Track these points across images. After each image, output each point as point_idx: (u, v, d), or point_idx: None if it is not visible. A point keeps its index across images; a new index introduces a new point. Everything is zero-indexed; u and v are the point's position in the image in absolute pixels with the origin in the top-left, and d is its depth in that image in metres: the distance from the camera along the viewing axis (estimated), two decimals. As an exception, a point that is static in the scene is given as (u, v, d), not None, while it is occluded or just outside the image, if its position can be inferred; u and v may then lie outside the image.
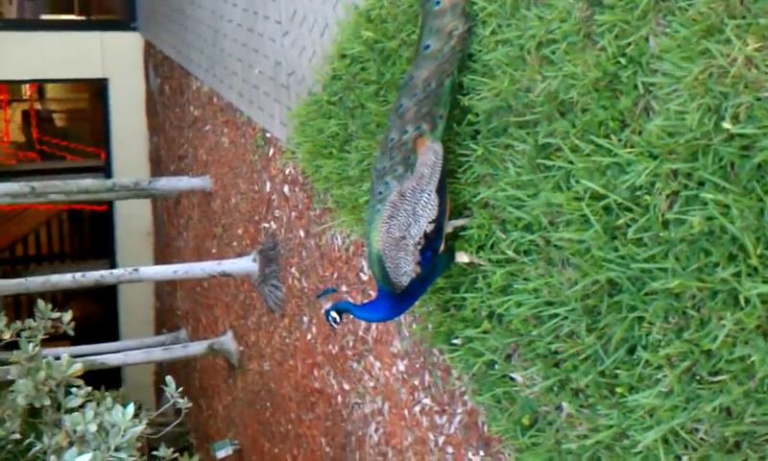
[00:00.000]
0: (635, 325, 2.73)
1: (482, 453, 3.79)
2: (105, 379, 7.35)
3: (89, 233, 12.25)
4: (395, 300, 3.38)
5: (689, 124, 2.43)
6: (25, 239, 12.12)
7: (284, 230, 5.97)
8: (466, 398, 3.87)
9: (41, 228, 12.10)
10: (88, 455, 2.58)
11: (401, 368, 4.54)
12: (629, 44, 2.68)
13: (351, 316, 3.71)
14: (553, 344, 3.09)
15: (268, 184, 6.22)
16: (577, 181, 2.86)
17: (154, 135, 10.10)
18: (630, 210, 2.70)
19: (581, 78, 2.86)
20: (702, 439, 2.54)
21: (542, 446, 3.19)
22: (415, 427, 4.42)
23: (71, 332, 3.85)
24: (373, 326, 4.86)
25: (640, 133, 2.67)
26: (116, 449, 2.78)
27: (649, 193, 2.64)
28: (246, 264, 5.87)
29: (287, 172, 5.85)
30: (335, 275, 5.25)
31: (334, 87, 4.65)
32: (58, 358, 4.04)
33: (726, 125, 2.33)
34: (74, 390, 3.45)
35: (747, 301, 2.30)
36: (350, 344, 5.15)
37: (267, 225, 6.28)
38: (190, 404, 3.95)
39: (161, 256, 10.12)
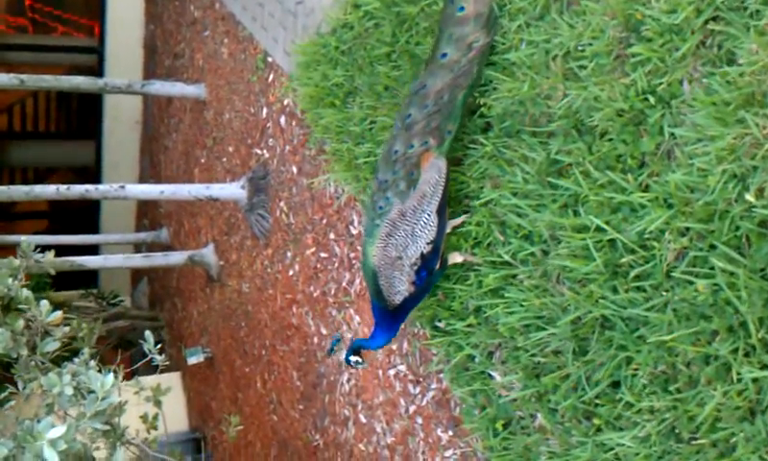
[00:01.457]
0: (622, 364, 2.73)
1: (450, 433, 3.86)
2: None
3: (77, 113, 11.92)
4: (389, 318, 3.35)
5: (711, 186, 2.36)
6: (10, 110, 11.79)
7: (277, 161, 5.85)
8: (442, 376, 3.90)
9: (28, 99, 11.76)
10: (62, 428, 2.56)
11: (381, 329, 4.55)
12: (661, 83, 2.56)
13: (346, 346, 3.63)
14: (537, 357, 3.10)
15: (264, 110, 6.05)
16: (586, 213, 2.79)
17: (150, 23, 9.71)
18: (635, 253, 2.65)
19: (605, 104, 2.74)
20: (671, 491, 2.59)
21: (513, 450, 3.25)
22: (387, 389, 4.48)
23: (52, 272, 3.77)
24: (357, 281, 4.84)
25: (658, 177, 2.59)
26: (94, 415, 2.77)
27: (658, 240, 2.58)
28: (234, 190, 5.77)
29: (285, 103, 5.67)
30: (324, 220, 5.18)
31: (344, 36, 4.44)
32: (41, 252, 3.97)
33: (749, 198, 2.26)
34: (51, 333, 3.41)
35: (739, 379, 2.29)
36: (332, 291, 5.14)
37: (259, 151, 6.15)
38: (167, 362, 3.91)
39: (148, 149, 9.94)
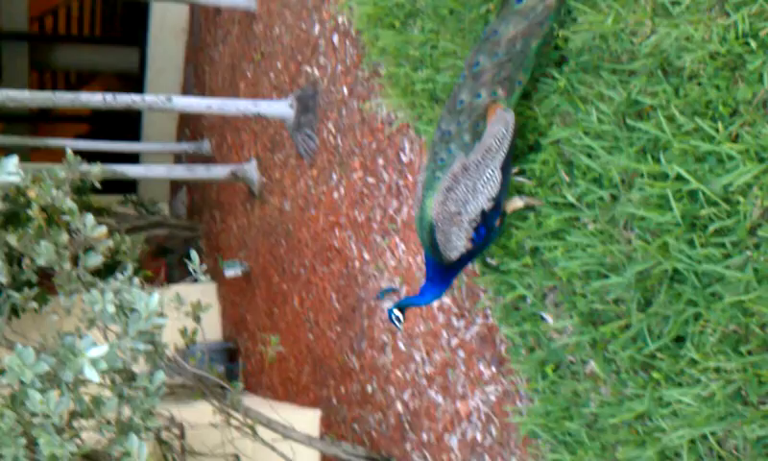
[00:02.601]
0: (690, 320, 2.62)
1: (493, 370, 3.82)
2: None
3: (122, 18, 11.74)
4: (442, 272, 3.23)
5: (812, 141, 2.19)
6: (56, 12, 11.62)
7: (327, 81, 5.69)
8: (488, 312, 3.83)
9: (73, 2, 11.56)
10: (104, 348, 2.54)
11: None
12: (765, 28, 2.36)
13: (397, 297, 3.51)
14: (595, 304, 3.00)
15: (317, 27, 5.85)
16: (667, 160, 2.63)
17: None
18: (717, 206, 2.51)
19: (698, 45, 2.55)
20: (732, 452, 2.51)
21: (561, 395, 3.19)
22: (429, 320, 4.43)
23: (98, 186, 3.71)
24: (404, 207, 4.74)
25: (751, 128, 2.42)
26: (136, 336, 2.74)
27: (744, 195, 2.44)
28: (282, 108, 5.65)
29: (340, 21, 5.47)
30: (374, 145, 5.06)
31: (411, -48, 4.22)
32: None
33: None
34: (94, 248, 3.37)
35: (821, 347, 2.18)
36: (378, 217, 5.06)
37: (309, 70, 5.98)
38: (212, 283, 3.88)
39: (193, 59, 9.79)
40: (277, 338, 4.45)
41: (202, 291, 9.11)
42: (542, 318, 3.34)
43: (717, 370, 2.49)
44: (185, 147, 8.37)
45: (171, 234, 9.38)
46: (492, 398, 3.80)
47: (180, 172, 6.98)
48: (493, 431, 3.79)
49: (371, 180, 5.11)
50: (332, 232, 5.76)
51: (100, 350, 2.58)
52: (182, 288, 9.12)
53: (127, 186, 10.00)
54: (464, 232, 3.08)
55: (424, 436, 4.38)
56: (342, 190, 5.59)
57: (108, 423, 2.97)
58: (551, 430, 3.18)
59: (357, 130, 5.28)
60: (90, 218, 3.37)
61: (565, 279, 3.11)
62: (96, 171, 3.61)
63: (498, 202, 3.09)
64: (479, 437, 3.91)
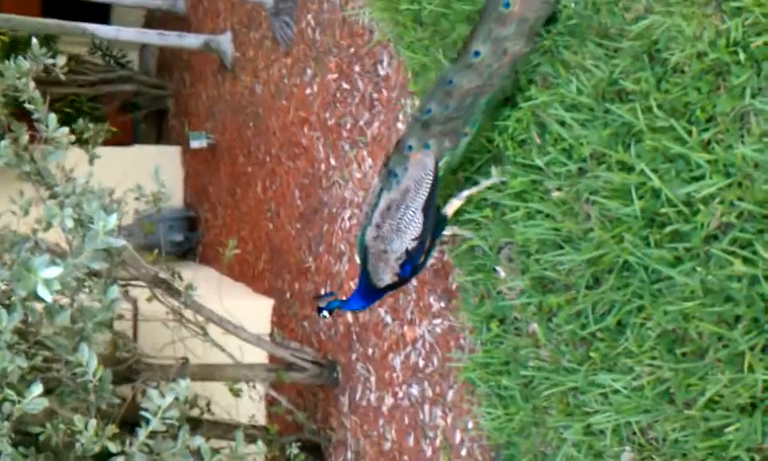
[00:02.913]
0: (633, 311, 2.71)
1: (443, 304, 3.92)
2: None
3: None
4: (371, 291, 3.38)
5: (780, 171, 2.20)
6: None
7: (311, -31, 5.43)
8: (444, 249, 3.88)
9: None
10: (58, 269, 2.52)
11: (392, 180, 4.46)
12: (757, 41, 2.31)
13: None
14: (547, 272, 3.06)
15: None
16: (636, 153, 2.63)
17: None
18: (677, 208, 2.53)
19: (688, 40, 2.50)
20: (651, 443, 2.67)
21: (503, 346, 3.31)
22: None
23: (62, 77, 3.55)
24: (375, 122, 4.68)
25: (724, 139, 2.41)
26: (92, 255, 2.71)
27: (705, 204, 2.46)
28: (262, -11, 5.39)
29: None
30: (352, 49, 4.90)
31: None
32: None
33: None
34: (56, 146, 3.26)
35: (751, 369, 2.28)
36: (348, 126, 4.98)
37: (294, -48, 5.68)
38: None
39: None
40: (234, 242, 4.46)
41: (165, 154, 9.01)
42: (495, 271, 3.41)
43: (651, 364, 2.60)
44: (159, 3, 7.97)
45: (139, 90, 9.12)
46: (438, 330, 3.92)
47: (152, 37, 6.70)
48: (435, 362, 3.94)
49: (345, 85, 4.99)
50: (301, 129, 5.68)
51: (54, 270, 2.55)
52: (147, 150, 9.02)
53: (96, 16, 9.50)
54: (390, 269, 3.22)
55: (370, 351, 4.53)
56: (315, 88, 5.46)
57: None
58: (488, 382, 3.32)
59: (337, 29, 5.10)
60: (53, 118, 3.26)
61: (521, 243, 3.15)
62: (61, 62, 3.45)
63: (422, 242, 3.19)
64: (421, 363, 4.06)
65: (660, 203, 2.58)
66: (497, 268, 3.40)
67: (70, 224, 2.85)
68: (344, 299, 3.59)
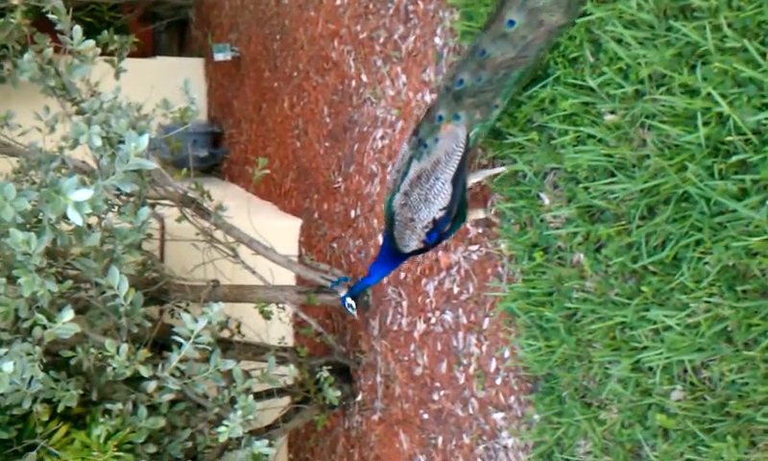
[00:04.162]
0: (691, 245, 2.56)
1: (480, 231, 3.79)
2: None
3: None
4: (394, 257, 3.42)
5: None
6: None
7: None
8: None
9: None
10: (89, 192, 2.40)
11: (427, 99, 4.28)
12: None
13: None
14: (597, 200, 2.91)
15: None
16: (703, 76, 2.42)
17: None
18: (745, 137, 2.35)
19: (769, -49, 2.25)
20: (704, 383, 2.56)
21: (546, 277, 3.19)
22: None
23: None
24: (411, 36, 4.45)
25: (804, 63, 2.21)
26: (122, 176, 2.59)
27: (777, 132, 2.27)
28: None
29: None
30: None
31: None
32: None
33: None
34: (82, 60, 3.09)
35: (820, 312, 2.14)
36: (381, 39, 4.75)
37: None
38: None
39: None
40: (265, 161, 4.32)
41: (188, 66, 8.79)
42: (539, 198, 3.25)
43: (708, 302, 2.47)
44: None
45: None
46: (475, 257, 3.80)
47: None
48: (471, 289, 3.84)
49: (378, -5, 4.74)
50: (331, 41, 5.44)
51: (85, 193, 2.45)
52: (169, 62, 8.79)
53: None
54: (416, 236, 3.25)
55: (402, 275, 4.43)
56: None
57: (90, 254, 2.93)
58: (529, 313, 3.21)
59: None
60: (78, 30, 3.09)
61: (569, 169, 2.99)
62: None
63: (449, 211, 3.20)
64: (456, 290, 3.96)
65: (727, 130, 2.40)
66: (542, 195, 3.24)
67: (98, 142, 2.73)
68: (364, 277, 3.68)
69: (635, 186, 2.69)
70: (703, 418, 2.53)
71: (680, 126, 2.52)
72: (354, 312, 3.74)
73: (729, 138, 2.39)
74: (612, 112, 2.85)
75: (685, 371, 2.60)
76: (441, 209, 3.16)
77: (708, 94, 2.41)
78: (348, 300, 3.65)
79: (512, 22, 2.90)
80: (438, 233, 3.25)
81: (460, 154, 3.07)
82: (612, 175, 2.83)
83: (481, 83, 3.01)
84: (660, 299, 2.66)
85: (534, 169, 3.22)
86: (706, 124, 2.43)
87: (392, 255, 3.44)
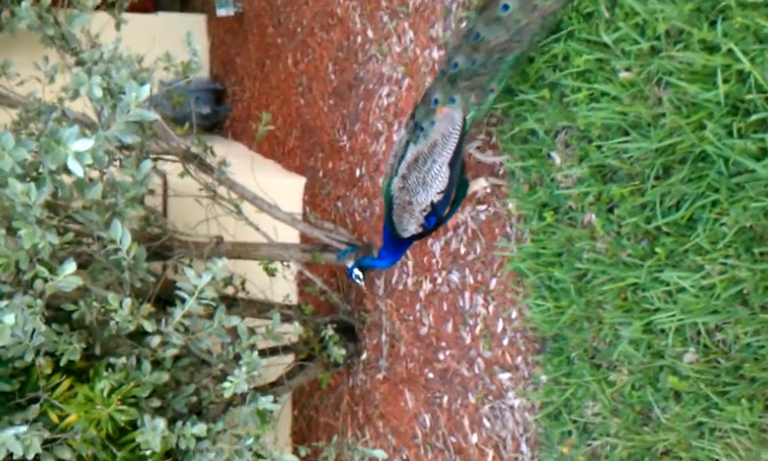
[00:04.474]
0: (707, 205, 2.50)
1: (488, 190, 3.73)
2: None
3: None
4: (396, 243, 3.43)
5: None
6: None
7: None
8: (492, 131, 3.64)
9: None
10: (89, 142, 2.34)
11: (435, 56, 4.19)
12: None
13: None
14: (610, 160, 2.84)
15: None
16: (723, 31, 2.34)
17: None
18: (766, 94, 2.28)
19: None
20: (718, 345, 2.52)
21: (556, 237, 3.14)
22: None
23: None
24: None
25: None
26: (123, 127, 2.52)
27: (800, 90, 2.20)
28: None
29: None
30: None
31: None
32: None
33: None
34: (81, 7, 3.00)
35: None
36: (388, -7, 4.64)
37: None
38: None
39: None
40: (269, 116, 4.24)
41: (190, 22, 8.64)
42: (550, 157, 3.19)
43: (724, 263, 2.42)
44: None
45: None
46: (482, 217, 3.75)
47: None
48: (478, 249, 3.79)
49: (385, -52, 4.62)
50: (336, -4, 5.33)
51: (85, 143, 2.39)
52: (171, 17, 8.64)
53: None
54: (414, 219, 3.23)
55: (408, 234, 4.37)
56: (351, -50, 5.08)
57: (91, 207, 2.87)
58: (538, 273, 3.17)
59: None
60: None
61: (582, 127, 2.92)
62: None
63: (447, 195, 3.18)
64: (463, 250, 3.91)
65: (747, 88, 2.33)
66: (552, 154, 3.18)
67: (98, 93, 2.66)
68: (374, 257, 3.69)
69: (650, 145, 2.62)
70: (716, 381, 2.50)
71: (698, 83, 2.44)
72: (362, 283, 3.75)
73: (749, 96, 2.32)
74: (628, 69, 2.77)
75: (699, 333, 2.57)
76: (438, 192, 3.14)
77: (729, 51, 2.34)
78: (356, 271, 3.64)
79: (506, 6, 2.92)
80: (436, 217, 3.25)
81: (457, 136, 3.06)
82: (626, 134, 2.77)
83: (475, 66, 3.01)
84: (674, 260, 2.61)
85: (545, 127, 3.16)
86: (725, 81, 2.36)
87: (394, 242, 3.46)
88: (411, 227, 3.27)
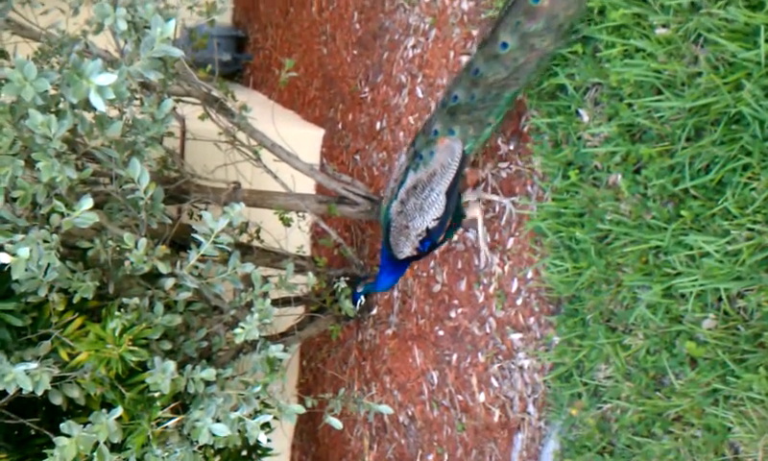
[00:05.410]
0: (738, 169, 2.43)
1: (511, 147, 3.66)
2: None
3: None
4: (393, 264, 3.61)
5: None
6: None
7: None
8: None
9: None
10: (113, 76, 2.30)
11: (464, 7, 4.09)
12: None
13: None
14: (640, 119, 2.77)
15: None
16: (772, -14, 2.25)
17: None
18: (811, 56, 2.19)
19: None
20: (739, 312, 2.47)
21: (579, 197, 3.08)
22: (455, 74, 4.16)
23: None
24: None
25: None
26: (147, 62, 2.47)
27: None
28: None
29: None
30: None
31: None
32: None
33: None
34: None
35: None
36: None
37: None
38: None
39: None
40: (292, 62, 4.17)
41: (214, -33, 8.50)
42: (578, 114, 3.12)
43: (751, 229, 2.36)
44: None
45: None
46: (504, 175, 3.69)
47: None
48: (497, 207, 3.74)
49: None
50: (364, -56, 5.21)
51: (108, 77, 2.34)
52: (194, -39, 8.49)
53: None
54: (410, 243, 3.39)
55: (427, 190, 4.32)
56: None
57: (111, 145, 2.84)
58: (559, 233, 3.11)
59: None
60: None
61: (615, 84, 2.84)
62: None
63: (442, 222, 3.33)
64: (481, 207, 3.86)
65: (791, 48, 2.24)
66: (581, 111, 3.11)
67: (123, 26, 2.60)
68: (371, 282, 3.94)
69: (683, 105, 2.55)
70: (734, 348, 2.45)
71: (738, 42, 2.36)
72: (356, 308, 4.02)
73: (791, 57, 2.23)
74: (665, 26, 2.68)
75: (720, 299, 2.52)
76: (434, 219, 3.30)
77: (774, 5, 2.25)
78: (362, 298, 3.91)
79: (505, 44, 2.98)
80: (431, 242, 3.40)
81: (455, 167, 3.21)
82: (660, 92, 2.69)
83: (474, 100, 3.11)
84: (700, 224, 2.55)
85: (575, 83, 3.07)
86: (767, 41, 2.27)
87: (391, 264, 3.64)
88: (406, 249, 3.45)
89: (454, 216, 3.47)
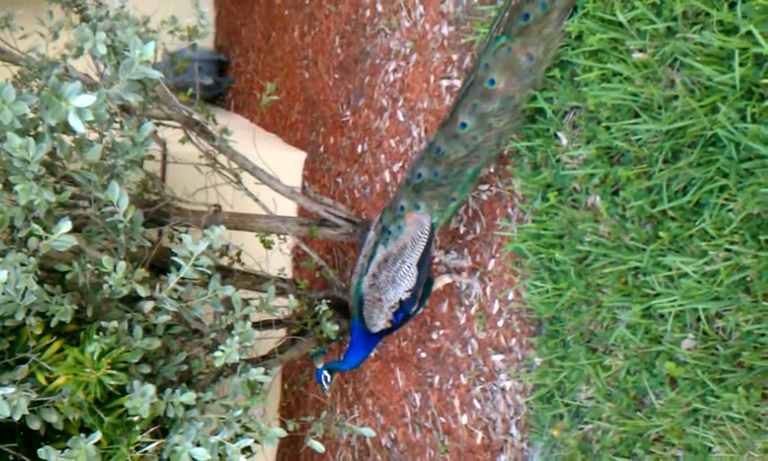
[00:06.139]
0: (715, 190, 2.46)
1: (491, 169, 3.68)
2: None
3: None
4: (366, 339, 3.61)
5: None
6: None
7: None
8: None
9: None
10: (91, 97, 2.29)
11: (444, 32, 4.13)
12: None
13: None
14: (618, 141, 2.80)
15: None
16: (743, 13, 2.29)
17: None
18: (783, 80, 2.23)
19: None
20: (718, 332, 2.49)
21: (559, 219, 3.10)
22: (435, 98, 4.20)
23: None
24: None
25: None
26: (126, 85, 2.47)
27: (817, 76, 2.16)
28: None
29: None
30: None
31: None
32: None
33: None
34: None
35: None
36: (398, -33, 4.57)
37: None
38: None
39: None
40: (274, 86, 4.18)
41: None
42: (557, 137, 3.15)
43: (729, 250, 2.39)
44: None
45: None
46: (484, 197, 3.71)
47: None
48: (478, 229, 3.75)
49: None
50: (345, -35, 5.26)
51: (87, 99, 2.33)
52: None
53: None
54: (383, 315, 3.45)
55: (408, 212, 4.33)
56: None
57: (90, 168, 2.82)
58: (539, 254, 3.13)
59: None
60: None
61: (592, 107, 2.87)
62: None
63: (414, 293, 3.41)
64: (462, 230, 3.87)
65: (764, 72, 2.28)
66: (559, 134, 3.14)
67: (102, 50, 2.60)
68: (338, 360, 3.88)
69: (660, 127, 2.58)
70: (713, 368, 2.47)
71: (713, 66, 2.40)
72: (327, 387, 3.88)
73: (764, 81, 2.28)
74: (641, 50, 2.72)
75: (699, 320, 2.54)
76: (407, 291, 3.37)
77: (748, 32, 2.29)
78: (325, 372, 3.79)
79: (464, 124, 3.09)
80: (404, 313, 3.47)
81: (425, 240, 3.29)
82: (637, 115, 2.73)
83: (438, 177, 3.21)
84: (678, 245, 2.58)
85: (554, 107, 3.11)
86: (741, 64, 2.31)
87: (364, 338, 3.65)
88: (380, 322, 3.49)
89: (425, 287, 3.56)
